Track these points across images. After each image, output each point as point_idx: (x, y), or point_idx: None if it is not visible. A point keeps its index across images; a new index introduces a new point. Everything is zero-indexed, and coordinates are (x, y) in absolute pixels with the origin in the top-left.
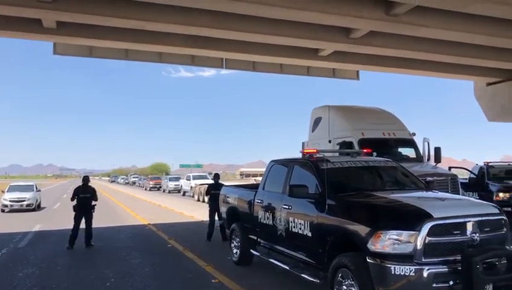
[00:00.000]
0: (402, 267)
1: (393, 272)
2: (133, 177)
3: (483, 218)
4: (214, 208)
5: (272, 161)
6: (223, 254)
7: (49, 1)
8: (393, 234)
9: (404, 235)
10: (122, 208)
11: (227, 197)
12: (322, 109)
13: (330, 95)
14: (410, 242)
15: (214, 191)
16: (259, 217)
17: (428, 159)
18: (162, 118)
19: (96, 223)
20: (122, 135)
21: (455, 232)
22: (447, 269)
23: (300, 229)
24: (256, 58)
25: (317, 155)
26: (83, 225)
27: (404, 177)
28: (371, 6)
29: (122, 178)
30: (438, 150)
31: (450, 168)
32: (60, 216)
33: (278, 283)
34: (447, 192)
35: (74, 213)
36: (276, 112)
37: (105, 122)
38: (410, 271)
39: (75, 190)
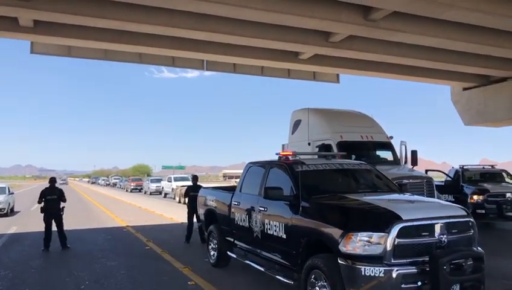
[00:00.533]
0: (372, 268)
1: (363, 273)
2: (114, 179)
3: (451, 220)
4: (192, 209)
5: (249, 163)
6: (201, 256)
7: None
8: (363, 236)
9: (374, 236)
10: (102, 209)
11: (205, 199)
12: (302, 111)
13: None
14: (380, 243)
15: (192, 193)
16: (236, 219)
17: (406, 162)
18: (145, 119)
19: (74, 225)
20: (103, 135)
21: (423, 233)
22: (415, 270)
23: (275, 231)
24: (237, 60)
25: (294, 158)
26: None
27: (378, 179)
28: (350, 11)
29: (103, 179)
30: (414, 153)
31: (426, 171)
32: (37, 218)
33: (254, 285)
34: (423, 194)
35: (43, 215)
36: (258, 113)
37: (86, 122)
38: (380, 272)
39: (41, 191)
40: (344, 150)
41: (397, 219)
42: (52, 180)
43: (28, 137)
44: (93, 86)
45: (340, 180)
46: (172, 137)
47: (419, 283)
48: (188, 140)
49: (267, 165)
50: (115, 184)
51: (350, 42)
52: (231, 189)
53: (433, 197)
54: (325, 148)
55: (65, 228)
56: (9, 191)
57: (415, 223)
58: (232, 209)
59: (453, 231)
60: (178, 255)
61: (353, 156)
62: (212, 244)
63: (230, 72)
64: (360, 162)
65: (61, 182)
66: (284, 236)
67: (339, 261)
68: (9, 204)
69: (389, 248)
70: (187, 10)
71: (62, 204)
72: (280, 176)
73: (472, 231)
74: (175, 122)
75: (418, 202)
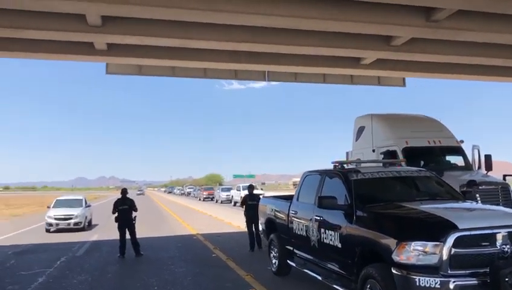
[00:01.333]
0: (427, 279)
1: (418, 284)
2: (188, 188)
3: None
4: (250, 218)
5: (306, 172)
6: (264, 264)
7: (98, 25)
8: (417, 245)
9: (429, 246)
10: (175, 218)
11: (266, 208)
12: (365, 117)
13: (377, 102)
14: (435, 253)
15: (250, 202)
16: (294, 228)
17: (479, 167)
18: (217, 130)
19: (148, 233)
20: (179, 147)
21: (483, 243)
22: (475, 282)
23: (331, 240)
24: (298, 70)
25: (349, 166)
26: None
27: (439, 187)
28: (411, 13)
29: (178, 189)
30: (488, 158)
31: (504, 176)
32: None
33: None
34: (497, 202)
35: (117, 225)
36: (326, 120)
37: (163, 136)
38: (436, 283)
39: (114, 202)
40: (410, 156)
41: (453, 228)
42: (124, 192)
43: (111, 151)
44: (167, 102)
45: (397, 188)
46: (243, 147)
47: None
48: (259, 149)
49: (322, 174)
50: (189, 193)
51: (413, 45)
52: (290, 198)
53: (510, 205)
54: (390, 154)
55: (140, 235)
56: (86, 203)
57: (472, 232)
58: (290, 218)
59: None
60: (242, 263)
61: (421, 162)
62: (273, 253)
63: (291, 82)
64: (420, 169)
65: (138, 192)
66: (340, 245)
67: (393, 271)
68: (86, 217)
69: (445, 257)
70: (245, 24)
71: (134, 213)
72: (335, 184)
73: None
74: (246, 132)
75: (478, 210)
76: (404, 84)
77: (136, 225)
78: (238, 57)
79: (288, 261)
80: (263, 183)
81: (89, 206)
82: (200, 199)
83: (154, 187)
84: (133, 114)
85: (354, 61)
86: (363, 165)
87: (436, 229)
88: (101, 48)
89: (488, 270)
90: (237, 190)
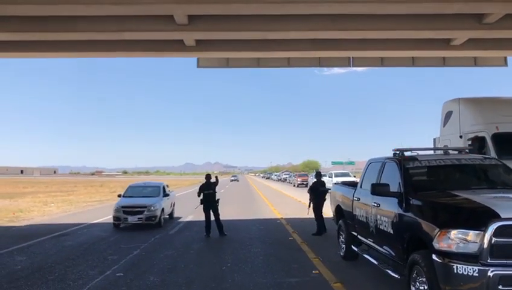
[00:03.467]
0: (466, 267)
1: (456, 271)
2: (284, 174)
3: None
4: (316, 204)
5: (370, 159)
6: (335, 248)
7: (185, 23)
8: (458, 233)
9: (470, 234)
10: (266, 202)
11: (335, 194)
12: (453, 102)
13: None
14: (475, 242)
15: (321, 188)
16: (357, 214)
17: None
18: (317, 116)
19: (236, 216)
20: (280, 134)
21: None
22: None
23: (385, 226)
24: (384, 54)
25: (409, 153)
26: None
27: (503, 175)
28: None
29: (275, 175)
30: None
31: None
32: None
33: (372, 278)
34: None
35: (202, 206)
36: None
37: (263, 122)
38: (474, 271)
39: (200, 187)
40: (501, 143)
41: (495, 217)
42: (208, 177)
43: (217, 138)
44: (269, 91)
45: (454, 176)
46: (343, 133)
47: None
48: (360, 135)
49: (383, 162)
50: (285, 179)
51: (508, 21)
52: (356, 185)
53: None
54: (478, 141)
55: (229, 217)
56: (164, 192)
57: None
58: (354, 205)
59: None
60: (314, 247)
61: (492, 152)
62: (341, 238)
63: (377, 66)
64: (486, 156)
65: (232, 178)
66: (392, 232)
67: (433, 258)
68: (162, 210)
69: (485, 246)
70: (325, 13)
71: (217, 197)
72: (392, 172)
73: None
74: (345, 118)
75: None
76: (505, 64)
77: (219, 207)
78: (320, 44)
79: (352, 246)
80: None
81: (167, 195)
82: (294, 185)
83: (255, 173)
84: (237, 103)
85: (443, 43)
86: (424, 152)
87: (478, 217)
88: (190, 44)
89: None
90: (329, 177)
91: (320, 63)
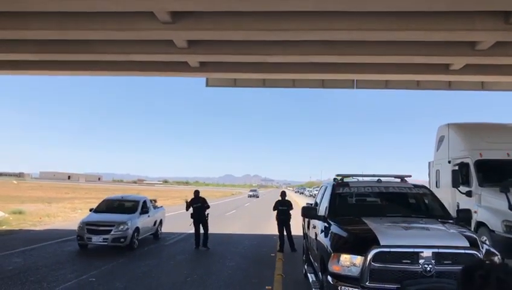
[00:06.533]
0: (348, 288)
1: None
2: (315, 190)
3: (442, 250)
4: (281, 222)
5: (324, 182)
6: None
7: (185, 47)
8: (344, 257)
9: (353, 259)
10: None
11: None
12: (445, 126)
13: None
14: (358, 266)
15: (281, 208)
16: (308, 234)
17: None
18: (360, 130)
19: (239, 231)
20: (322, 148)
21: (404, 261)
22: None
23: (315, 245)
24: (388, 77)
25: (349, 179)
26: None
27: (427, 205)
28: (489, 18)
29: (308, 190)
30: None
31: None
32: (218, 222)
33: None
34: None
35: (192, 221)
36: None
37: (303, 138)
38: None
39: (189, 201)
40: (484, 171)
41: (375, 243)
42: (196, 192)
43: (257, 151)
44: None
45: (376, 203)
46: (386, 146)
47: None
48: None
49: (325, 186)
50: (315, 195)
51: (502, 48)
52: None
53: None
54: (463, 167)
55: (231, 232)
56: (144, 208)
57: (392, 249)
58: (306, 225)
59: (445, 261)
60: (288, 264)
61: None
62: (303, 257)
63: (381, 88)
64: (418, 185)
65: (251, 193)
66: (316, 252)
67: (328, 279)
68: (137, 230)
69: (365, 270)
70: (329, 40)
71: (206, 211)
72: (327, 195)
73: None
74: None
75: (416, 229)
76: None
77: (208, 221)
78: (323, 67)
79: (305, 265)
80: None
81: (145, 212)
82: None
83: (293, 187)
84: (278, 117)
85: (443, 68)
86: (362, 179)
87: (363, 244)
88: (194, 65)
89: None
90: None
91: (324, 84)
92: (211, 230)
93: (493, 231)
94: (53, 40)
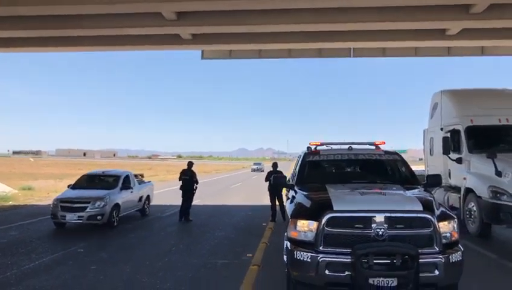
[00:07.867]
0: (302, 253)
1: (295, 257)
2: None
3: (394, 214)
4: (273, 193)
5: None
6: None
7: (174, 19)
8: (302, 223)
9: (308, 224)
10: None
11: None
12: (438, 94)
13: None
14: (312, 231)
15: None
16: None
17: None
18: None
19: (240, 202)
20: (336, 120)
21: (357, 225)
22: (341, 260)
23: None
24: (386, 45)
25: (322, 147)
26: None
27: (396, 171)
28: None
29: None
30: None
31: None
32: (221, 195)
33: None
34: None
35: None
36: None
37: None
38: (307, 257)
39: (180, 172)
40: (474, 137)
41: (329, 208)
42: (189, 164)
43: (269, 125)
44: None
45: (344, 170)
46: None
47: (346, 273)
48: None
49: (300, 155)
50: None
51: (495, 11)
52: None
53: None
54: (454, 134)
55: (231, 203)
56: (125, 183)
57: (344, 214)
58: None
59: (398, 225)
60: (276, 233)
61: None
62: None
63: (379, 57)
64: (389, 151)
65: (254, 167)
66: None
67: (286, 245)
68: (117, 207)
69: (319, 235)
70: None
71: (195, 185)
72: (298, 164)
73: (432, 228)
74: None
75: (372, 195)
76: None
77: (195, 194)
78: (320, 36)
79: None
80: (420, 159)
81: (128, 188)
82: None
83: None
84: (291, 92)
85: (440, 33)
86: (333, 147)
87: (318, 209)
88: (186, 37)
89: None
90: None
91: (321, 53)
92: (212, 202)
93: (480, 197)
94: (44, 16)
